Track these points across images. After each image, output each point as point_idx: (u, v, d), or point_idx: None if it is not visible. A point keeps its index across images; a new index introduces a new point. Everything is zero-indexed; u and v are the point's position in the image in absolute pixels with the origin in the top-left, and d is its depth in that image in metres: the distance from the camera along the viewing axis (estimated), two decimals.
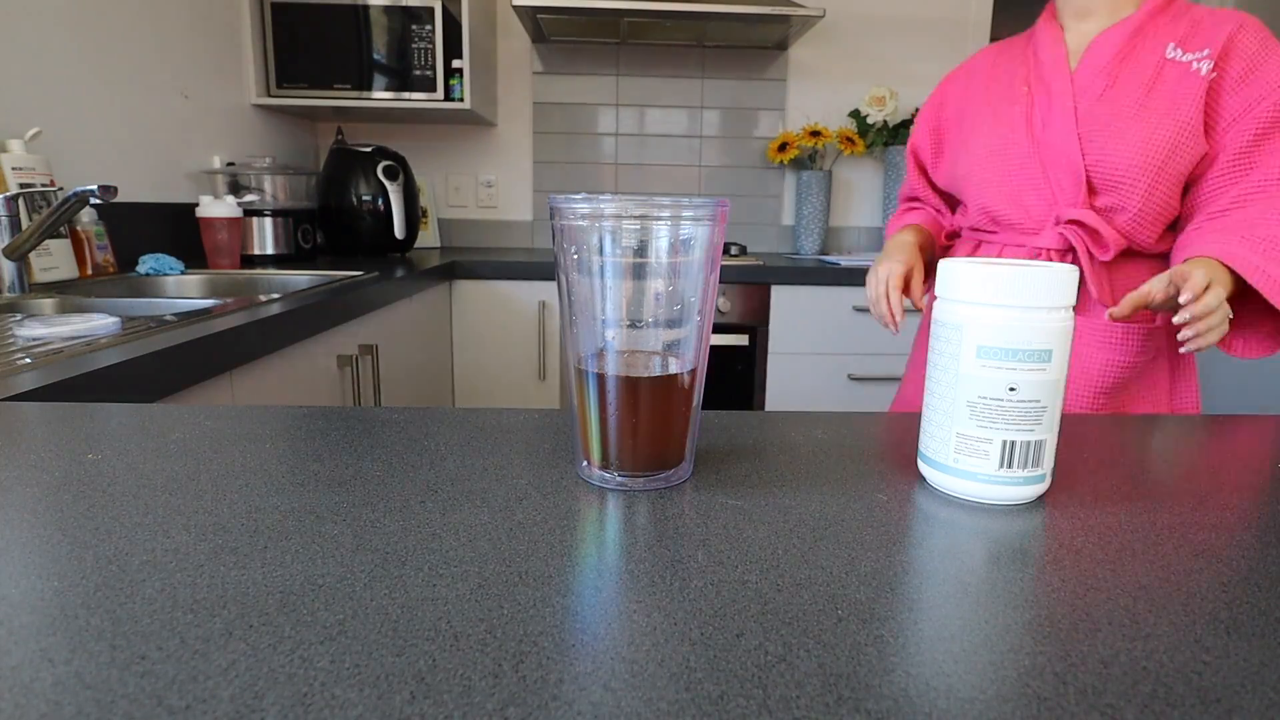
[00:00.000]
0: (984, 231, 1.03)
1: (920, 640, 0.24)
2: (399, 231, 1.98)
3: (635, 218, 0.34)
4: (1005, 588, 0.28)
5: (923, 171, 1.16)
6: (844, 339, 1.95)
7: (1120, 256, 0.93)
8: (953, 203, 1.14)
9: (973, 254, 1.05)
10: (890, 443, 0.45)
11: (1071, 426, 0.49)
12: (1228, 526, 0.34)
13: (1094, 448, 0.45)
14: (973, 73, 1.07)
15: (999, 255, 1.00)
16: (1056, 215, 0.93)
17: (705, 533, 0.32)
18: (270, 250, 1.76)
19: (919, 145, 1.14)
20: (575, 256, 0.36)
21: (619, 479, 0.37)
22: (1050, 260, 0.93)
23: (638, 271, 0.35)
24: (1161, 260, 0.95)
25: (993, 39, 2.79)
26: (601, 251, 0.35)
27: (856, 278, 1.91)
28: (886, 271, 0.99)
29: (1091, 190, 0.91)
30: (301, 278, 1.45)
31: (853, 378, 1.97)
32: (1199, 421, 0.51)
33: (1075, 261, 0.93)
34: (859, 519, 0.34)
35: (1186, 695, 0.22)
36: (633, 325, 0.36)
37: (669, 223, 0.34)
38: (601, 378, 0.36)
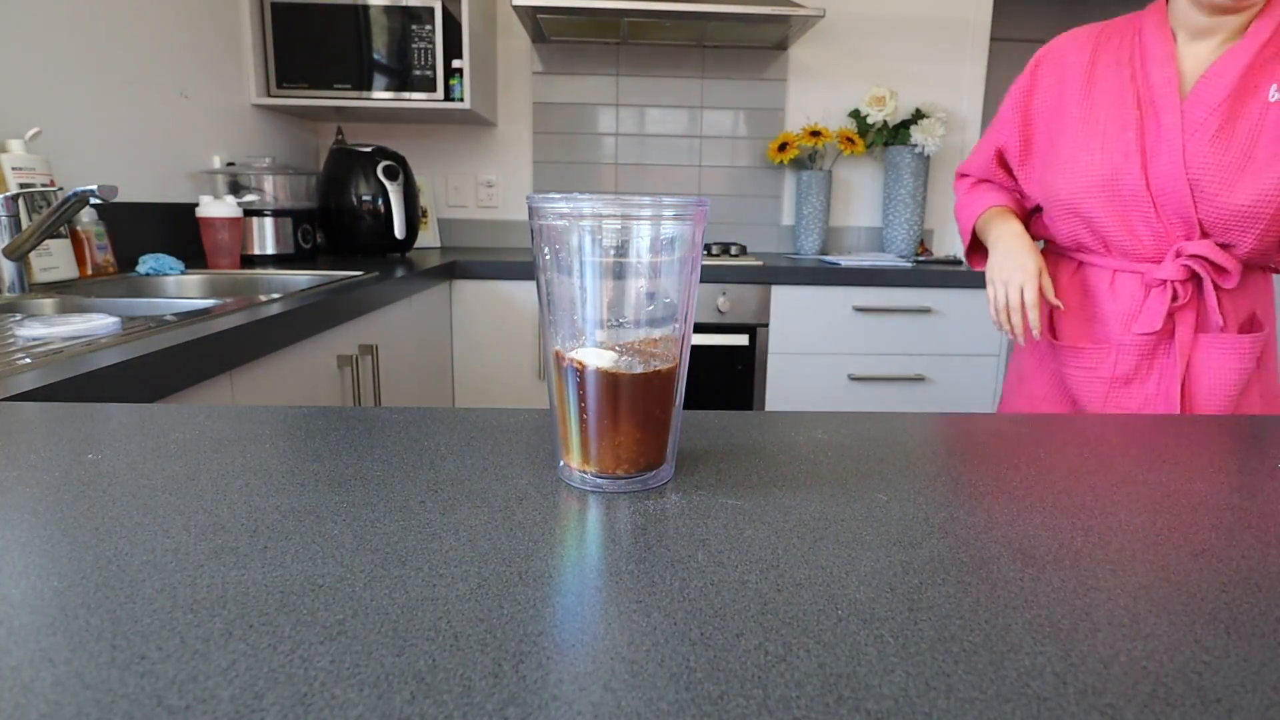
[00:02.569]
0: (1088, 251, 1.01)
1: (920, 640, 0.24)
2: (399, 231, 1.98)
3: (613, 217, 0.34)
4: (1005, 587, 0.28)
5: (1004, 167, 1.10)
6: (844, 339, 1.95)
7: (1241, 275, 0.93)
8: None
9: (1076, 275, 1.03)
10: (890, 443, 0.45)
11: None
12: (1228, 526, 0.34)
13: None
14: (1065, 65, 0.99)
15: (1111, 281, 0.99)
16: (1178, 249, 0.91)
17: (705, 533, 0.32)
18: (270, 250, 1.76)
19: (1006, 145, 1.07)
20: (554, 256, 0.35)
21: (597, 480, 0.37)
22: (1171, 290, 0.93)
23: (618, 271, 0.35)
24: None
25: (993, 39, 2.79)
26: (580, 251, 0.35)
27: (856, 278, 1.91)
28: (1023, 279, 0.96)
29: (1203, 231, 0.90)
30: (301, 278, 1.45)
31: (853, 378, 1.97)
32: (1201, 421, 0.51)
33: (1198, 290, 0.94)
34: (859, 519, 0.34)
35: (1186, 695, 0.22)
36: (612, 325, 0.36)
37: (648, 222, 0.34)
38: (581, 378, 0.36)
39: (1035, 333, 0.96)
